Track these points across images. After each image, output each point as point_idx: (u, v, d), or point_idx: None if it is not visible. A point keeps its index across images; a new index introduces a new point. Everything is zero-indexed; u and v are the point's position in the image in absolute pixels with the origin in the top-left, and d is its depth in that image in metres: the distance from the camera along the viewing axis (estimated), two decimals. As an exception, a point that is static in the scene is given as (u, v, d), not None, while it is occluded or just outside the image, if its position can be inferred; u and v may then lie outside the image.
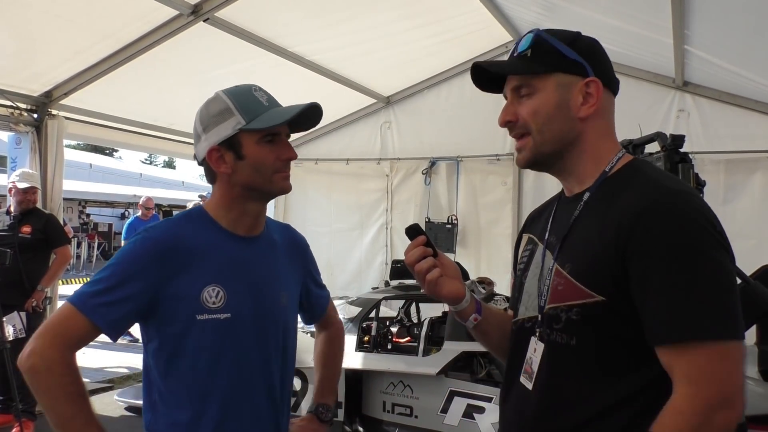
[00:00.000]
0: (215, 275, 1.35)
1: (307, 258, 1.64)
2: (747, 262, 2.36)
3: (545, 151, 1.15)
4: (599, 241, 1.04)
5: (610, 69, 1.17)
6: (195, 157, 1.45)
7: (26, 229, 4.32)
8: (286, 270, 1.52)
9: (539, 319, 1.15)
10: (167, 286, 1.31)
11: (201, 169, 1.50)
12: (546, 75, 1.12)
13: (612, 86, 1.16)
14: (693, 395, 0.93)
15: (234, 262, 1.39)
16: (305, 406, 2.66)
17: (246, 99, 1.37)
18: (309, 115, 1.40)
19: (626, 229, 1.00)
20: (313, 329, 1.81)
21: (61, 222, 4.89)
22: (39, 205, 4.63)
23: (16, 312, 4.11)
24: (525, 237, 1.33)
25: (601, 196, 1.10)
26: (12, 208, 4.41)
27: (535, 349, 1.15)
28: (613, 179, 1.11)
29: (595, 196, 1.12)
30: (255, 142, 1.35)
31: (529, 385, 1.14)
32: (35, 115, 4.78)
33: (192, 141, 1.47)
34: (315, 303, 1.66)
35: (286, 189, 1.41)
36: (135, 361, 6.36)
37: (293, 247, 1.58)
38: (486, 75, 1.21)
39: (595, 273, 1.04)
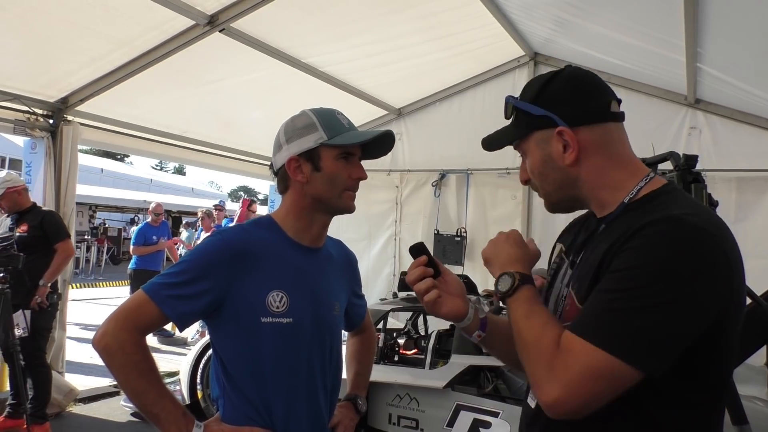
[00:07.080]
0: (280, 282, 1.44)
1: (355, 273, 1.77)
2: (758, 282, 2.34)
3: (555, 200, 1.20)
4: (597, 263, 1.04)
5: (587, 104, 1.11)
6: (271, 166, 1.56)
7: (23, 227, 4.35)
8: (338, 282, 1.63)
9: None
10: (235, 287, 1.39)
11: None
12: (527, 136, 1.17)
13: (597, 119, 1.11)
14: (560, 373, 0.95)
15: (298, 270, 1.48)
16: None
17: (330, 118, 1.49)
18: (382, 143, 1.51)
19: (616, 248, 1.00)
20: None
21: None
22: (52, 208, 4.68)
23: (21, 311, 4.12)
24: (558, 246, 1.32)
25: (617, 224, 1.09)
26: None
27: None
28: (632, 207, 1.08)
29: (611, 224, 1.10)
30: (333, 157, 1.46)
31: (534, 404, 1.13)
32: (51, 121, 4.84)
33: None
34: (356, 312, 1.78)
35: (350, 208, 1.52)
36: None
37: (346, 262, 1.70)
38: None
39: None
